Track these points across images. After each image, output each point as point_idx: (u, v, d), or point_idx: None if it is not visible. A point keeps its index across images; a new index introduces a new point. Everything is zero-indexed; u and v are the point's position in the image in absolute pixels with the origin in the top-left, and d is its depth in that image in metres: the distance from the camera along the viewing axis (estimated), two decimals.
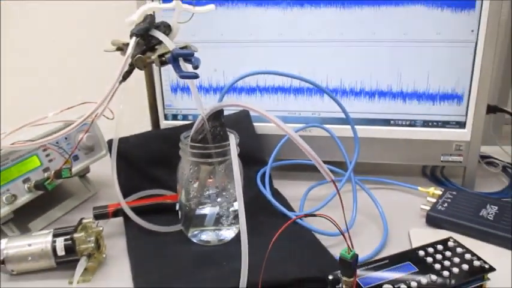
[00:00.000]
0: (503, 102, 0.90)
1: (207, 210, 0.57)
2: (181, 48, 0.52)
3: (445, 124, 0.72)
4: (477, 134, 0.70)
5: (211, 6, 0.54)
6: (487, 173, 0.79)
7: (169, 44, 0.50)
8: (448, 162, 0.73)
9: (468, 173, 0.73)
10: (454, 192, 0.66)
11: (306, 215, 0.61)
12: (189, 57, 0.50)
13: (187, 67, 0.50)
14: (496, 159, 0.81)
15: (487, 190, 0.73)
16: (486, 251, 0.52)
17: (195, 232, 0.58)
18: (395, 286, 0.44)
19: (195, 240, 0.58)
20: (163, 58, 0.51)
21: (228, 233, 0.58)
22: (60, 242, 0.52)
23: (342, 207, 0.42)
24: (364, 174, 0.74)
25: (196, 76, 0.49)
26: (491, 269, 0.46)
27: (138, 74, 0.57)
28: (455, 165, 0.73)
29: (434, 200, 0.64)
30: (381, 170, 0.77)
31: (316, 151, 0.43)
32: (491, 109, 0.75)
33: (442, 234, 0.55)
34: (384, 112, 0.73)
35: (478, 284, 0.46)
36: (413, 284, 0.44)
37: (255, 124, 0.75)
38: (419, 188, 0.70)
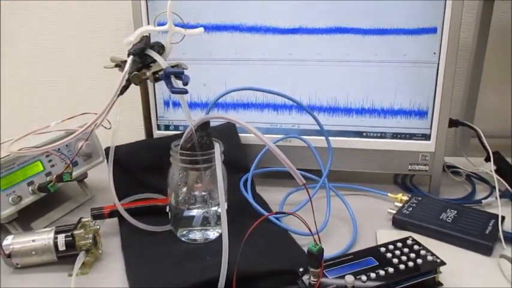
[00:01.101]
0: (470, 117, 0.96)
1: (194, 212, 0.61)
2: (173, 66, 0.57)
3: (412, 136, 0.77)
4: (441, 145, 0.75)
5: (201, 29, 0.59)
6: (452, 181, 0.84)
7: (162, 62, 0.56)
8: (415, 171, 0.78)
9: (433, 181, 0.78)
10: (420, 198, 0.72)
11: (278, 213, 0.66)
12: (179, 74, 0.55)
13: (178, 83, 0.55)
14: (460, 168, 0.86)
15: (451, 196, 0.77)
16: (443, 249, 0.58)
17: (184, 232, 0.62)
18: (357, 277, 0.49)
19: (183, 239, 0.62)
20: (157, 75, 0.56)
21: (213, 233, 0.62)
22: (61, 238, 0.56)
23: (312, 208, 0.47)
24: (340, 181, 0.79)
25: (185, 92, 0.55)
26: (442, 263, 0.52)
27: (134, 89, 0.61)
28: (422, 174, 0.78)
29: (401, 205, 0.70)
30: (356, 178, 0.81)
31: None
32: (454, 123, 0.80)
33: (406, 234, 0.58)
34: (357, 125, 0.78)
35: (432, 276, 0.52)
36: (373, 275, 0.49)
37: (240, 135, 0.79)
38: (389, 194, 0.75)
